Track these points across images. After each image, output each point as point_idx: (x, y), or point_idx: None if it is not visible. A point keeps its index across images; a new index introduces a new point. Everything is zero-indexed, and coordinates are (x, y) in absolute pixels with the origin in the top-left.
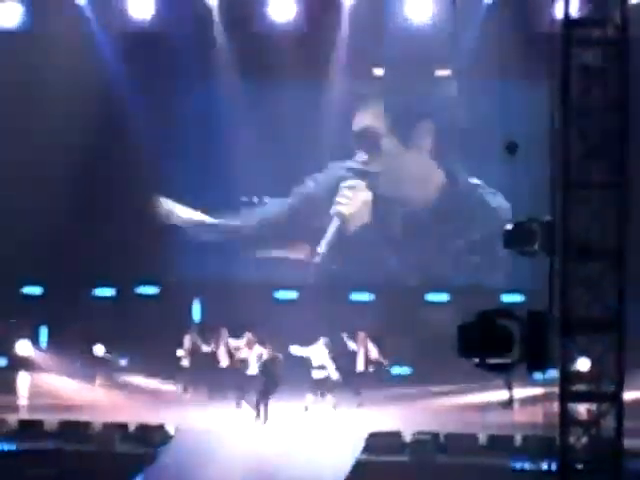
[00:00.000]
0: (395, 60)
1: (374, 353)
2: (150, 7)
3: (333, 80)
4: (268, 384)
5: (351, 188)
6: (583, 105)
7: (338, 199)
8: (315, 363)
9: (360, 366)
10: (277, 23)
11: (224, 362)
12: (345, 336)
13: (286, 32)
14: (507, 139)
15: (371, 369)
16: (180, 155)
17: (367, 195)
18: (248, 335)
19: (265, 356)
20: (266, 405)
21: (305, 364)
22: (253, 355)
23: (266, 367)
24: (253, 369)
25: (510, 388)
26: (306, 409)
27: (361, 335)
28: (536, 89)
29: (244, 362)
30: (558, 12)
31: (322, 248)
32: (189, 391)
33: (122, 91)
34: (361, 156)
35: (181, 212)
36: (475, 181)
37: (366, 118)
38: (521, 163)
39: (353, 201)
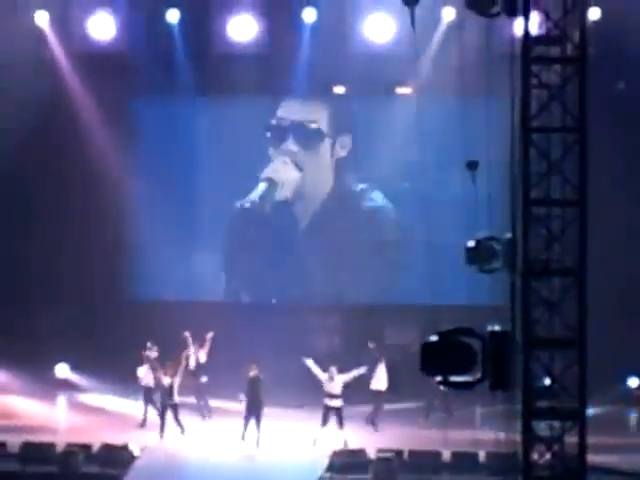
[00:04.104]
0: (355, 78)
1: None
2: (111, 27)
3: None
4: (252, 405)
5: (285, 163)
6: (542, 123)
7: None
8: (330, 391)
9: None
10: (238, 42)
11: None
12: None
13: (247, 51)
14: (468, 156)
15: None
16: (141, 172)
17: (296, 175)
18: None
19: (251, 375)
20: (257, 426)
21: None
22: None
23: (249, 387)
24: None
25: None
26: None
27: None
28: (496, 107)
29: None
30: (518, 30)
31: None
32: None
33: (81, 111)
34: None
35: None
36: None
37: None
38: (481, 180)
39: (283, 172)
